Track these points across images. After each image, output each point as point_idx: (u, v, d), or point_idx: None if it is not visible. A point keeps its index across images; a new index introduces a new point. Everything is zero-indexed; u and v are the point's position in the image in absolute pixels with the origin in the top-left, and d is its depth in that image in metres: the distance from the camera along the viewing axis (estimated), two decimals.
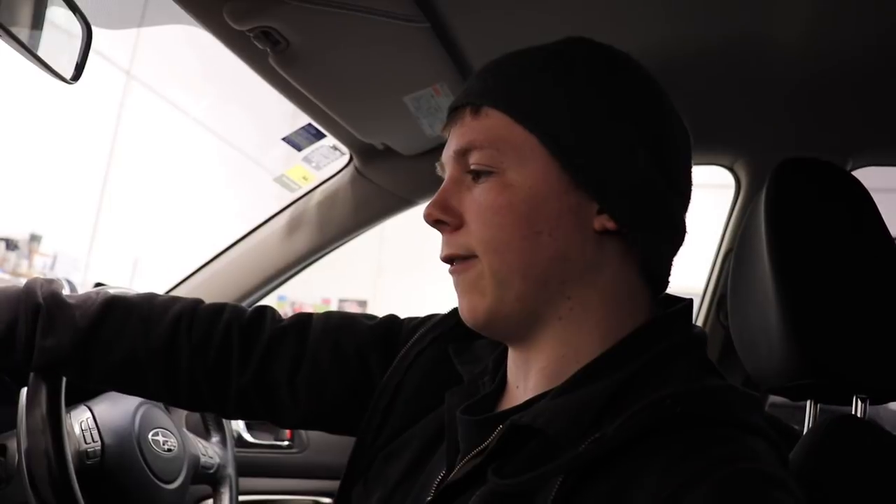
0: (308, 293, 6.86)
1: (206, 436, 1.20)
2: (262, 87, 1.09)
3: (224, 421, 1.22)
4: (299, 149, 1.32)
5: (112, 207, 5.31)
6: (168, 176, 5.63)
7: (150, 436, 1.03)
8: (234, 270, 1.47)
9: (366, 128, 1.21)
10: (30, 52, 0.80)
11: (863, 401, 0.77)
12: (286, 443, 1.57)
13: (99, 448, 0.94)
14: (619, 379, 0.57)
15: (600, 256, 0.62)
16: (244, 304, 1.36)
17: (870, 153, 1.22)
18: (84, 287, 0.93)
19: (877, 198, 0.78)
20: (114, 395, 1.02)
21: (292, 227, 1.43)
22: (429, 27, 0.92)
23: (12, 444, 0.89)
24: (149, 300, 0.86)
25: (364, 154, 1.33)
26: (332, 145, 1.32)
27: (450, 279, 0.66)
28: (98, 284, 0.98)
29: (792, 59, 0.98)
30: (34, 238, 4.79)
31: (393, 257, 7.24)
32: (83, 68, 0.87)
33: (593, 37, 0.66)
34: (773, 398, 1.43)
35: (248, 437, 1.54)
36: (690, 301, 0.66)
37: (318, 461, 1.57)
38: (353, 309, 0.96)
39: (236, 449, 1.25)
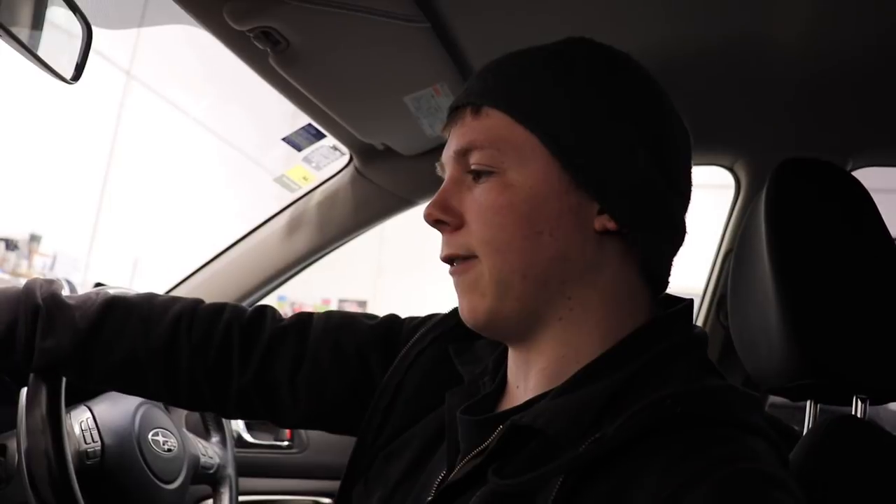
0: (308, 293, 6.86)
1: (205, 436, 1.20)
2: (261, 88, 1.09)
3: (224, 421, 1.22)
4: (299, 149, 1.32)
5: (112, 207, 5.31)
6: (168, 176, 5.63)
7: (150, 436, 1.03)
8: (235, 270, 1.47)
9: (366, 128, 1.21)
10: (30, 52, 0.80)
11: (863, 401, 0.77)
12: (286, 443, 1.57)
13: (99, 448, 0.94)
14: (620, 379, 0.57)
15: (600, 256, 0.62)
16: (244, 304, 1.36)
17: (870, 153, 1.22)
18: (84, 287, 0.93)
19: (877, 198, 0.78)
20: (114, 395, 1.02)
21: (292, 228, 1.43)
22: (429, 27, 0.92)
23: (12, 444, 0.89)
24: (149, 300, 0.86)
25: (364, 154, 1.33)
26: (332, 145, 1.32)
27: (450, 280, 0.66)
28: (98, 284, 0.98)
29: (792, 59, 0.98)
30: (34, 238, 4.79)
31: (393, 258, 7.24)
32: (83, 68, 0.87)
33: (593, 37, 0.66)
34: (772, 398, 1.43)
35: (247, 437, 1.54)
36: (691, 301, 0.66)
37: (317, 461, 1.57)
38: (352, 309, 0.96)
39: (236, 449, 1.25)
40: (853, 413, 0.77)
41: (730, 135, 1.25)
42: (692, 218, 0.68)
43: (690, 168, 0.67)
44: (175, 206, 5.67)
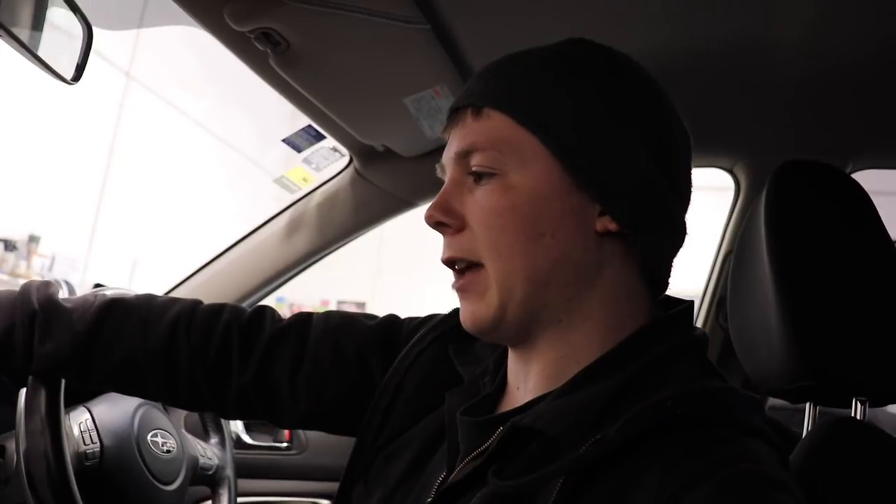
0: (307, 295, 6.85)
1: (204, 437, 1.20)
2: (261, 89, 1.09)
3: (223, 422, 1.22)
4: (299, 150, 1.32)
5: (111, 208, 5.31)
6: (167, 177, 5.63)
7: (149, 437, 1.03)
8: (234, 272, 1.47)
9: (366, 129, 1.21)
10: (30, 52, 0.80)
11: (862, 403, 0.77)
12: (285, 444, 1.57)
13: (98, 449, 0.94)
14: (620, 380, 0.57)
15: (601, 258, 0.62)
16: (244, 305, 1.35)
17: (869, 156, 1.22)
18: (83, 288, 0.93)
19: (876, 201, 0.78)
20: (113, 396, 1.02)
21: (292, 229, 1.43)
22: (429, 29, 0.92)
23: (11, 445, 0.89)
24: (147, 302, 0.86)
25: (364, 155, 1.33)
26: (332, 147, 1.32)
27: (448, 281, 0.66)
28: (97, 285, 0.98)
29: (792, 61, 0.98)
30: (33, 239, 4.79)
31: (392, 259, 7.24)
32: (84, 69, 0.87)
33: (594, 38, 0.66)
34: (771, 401, 1.42)
35: (246, 438, 1.54)
36: (691, 303, 0.66)
37: (316, 463, 1.57)
38: (351, 311, 0.96)
39: (235, 450, 1.25)
40: (853, 415, 0.77)
41: (729, 137, 1.25)
42: (691, 220, 0.68)
43: (691, 169, 0.67)
44: (174, 208, 5.67)
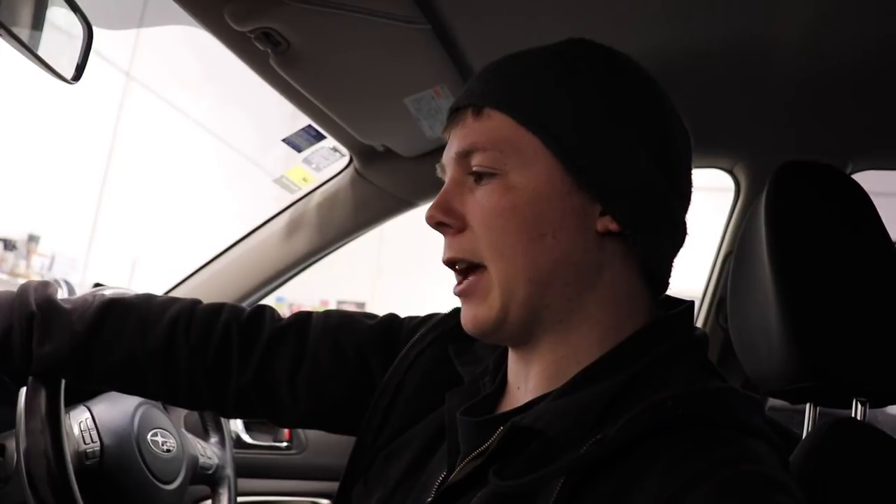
0: (306, 294, 6.85)
1: (204, 436, 1.20)
2: (261, 89, 1.09)
3: (223, 421, 1.22)
4: (299, 150, 1.31)
5: (111, 208, 5.31)
6: (167, 177, 5.63)
7: (149, 436, 1.03)
8: (234, 271, 1.47)
9: (366, 129, 1.21)
10: (31, 51, 0.80)
11: (863, 404, 0.77)
12: (285, 444, 1.57)
13: (98, 448, 0.94)
14: (621, 380, 0.57)
15: (602, 258, 0.62)
16: (243, 305, 1.36)
17: (869, 157, 1.22)
18: (82, 287, 0.93)
19: (876, 202, 0.78)
20: (113, 395, 1.02)
21: (292, 229, 1.43)
22: (429, 29, 0.92)
23: (11, 444, 0.89)
24: (146, 301, 0.86)
25: (364, 156, 1.33)
26: (332, 147, 1.32)
27: (449, 282, 0.66)
28: (97, 285, 0.98)
29: (792, 61, 0.98)
30: (32, 238, 4.78)
31: (392, 259, 7.23)
32: (84, 68, 0.87)
33: (594, 38, 0.66)
34: (771, 401, 1.43)
35: (246, 438, 1.54)
36: (691, 303, 0.66)
37: (316, 462, 1.57)
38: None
39: (235, 450, 1.25)
40: (853, 416, 0.77)
41: (729, 137, 1.25)
42: (691, 220, 0.68)
43: (691, 169, 0.67)
44: (174, 207, 5.67)
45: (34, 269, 4.71)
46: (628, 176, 0.61)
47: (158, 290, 1.22)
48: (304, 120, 1.24)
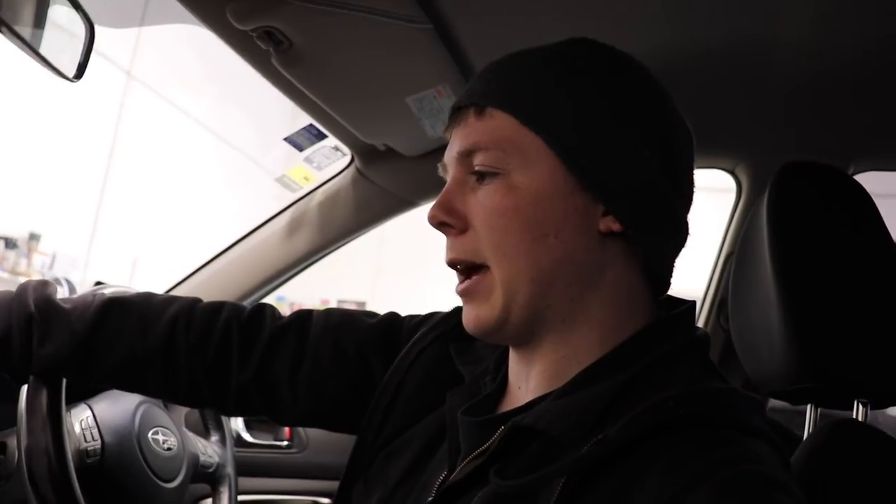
0: (307, 294, 6.85)
1: (205, 435, 1.20)
2: (262, 88, 1.09)
3: (223, 420, 1.22)
4: (301, 149, 1.31)
5: (111, 207, 5.31)
6: (168, 176, 5.63)
7: (149, 434, 1.03)
8: (234, 270, 1.47)
9: (368, 129, 1.21)
10: (32, 49, 0.80)
11: (864, 405, 0.77)
12: (285, 443, 1.57)
13: (99, 446, 0.94)
14: (622, 380, 0.57)
15: (604, 258, 0.62)
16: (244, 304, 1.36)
17: (871, 158, 1.22)
18: (83, 286, 0.93)
19: (878, 203, 0.78)
20: (114, 393, 1.02)
21: (293, 228, 1.43)
22: (431, 28, 0.92)
23: (12, 442, 0.89)
24: (146, 300, 0.86)
25: (366, 155, 1.33)
26: (333, 146, 1.32)
27: (449, 281, 0.66)
28: (98, 283, 0.98)
29: (794, 62, 0.98)
30: (33, 237, 4.79)
31: (392, 259, 7.23)
32: (86, 66, 0.87)
33: (595, 38, 0.66)
34: (772, 403, 1.43)
35: (247, 436, 1.54)
36: (693, 303, 0.66)
37: (317, 461, 1.57)
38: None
39: (235, 449, 1.25)
40: (854, 417, 0.77)
41: (731, 138, 1.25)
42: (692, 221, 0.68)
43: (693, 169, 0.67)
44: (175, 206, 5.67)
45: (35, 268, 4.71)
46: (631, 176, 0.61)
47: (159, 289, 1.22)
48: (304, 119, 1.24)
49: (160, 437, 1.04)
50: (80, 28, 0.87)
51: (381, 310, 0.89)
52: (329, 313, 0.85)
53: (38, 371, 0.83)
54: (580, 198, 0.61)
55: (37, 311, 0.82)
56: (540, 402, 0.61)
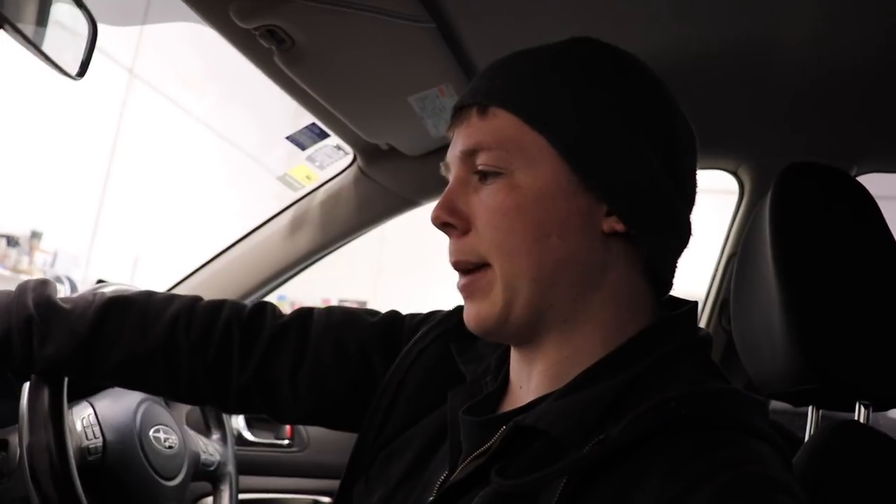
0: (308, 293, 6.85)
1: (206, 433, 1.20)
2: (264, 87, 1.09)
3: (225, 418, 1.23)
4: (303, 148, 1.32)
5: (113, 205, 5.31)
6: (169, 174, 5.63)
7: (151, 432, 1.03)
8: (236, 269, 1.47)
9: (370, 128, 1.21)
10: (35, 47, 0.80)
11: (866, 407, 0.77)
12: (286, 442, 1.57)
13: (100, 444, 0.94)
14: (623, 381, 0.57)
15: (606, 258, 0.61)
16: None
17: (875, 160, 1.22)
18: (85, 284, 0.93)
19: (881, 205, 0.78)
20: (115, 391, 1.02)
21: (295, 226, 1.43)
22: (434, 27, 0.92)
23: (13, 439, 0.89)
24: (147, 299, 0.86)
25: (368, 154, 1.33)
26: (335, 145, 1.32)
27: (451, 281, 0.65)
28: (100, 281, 0.98)
29: (797, 63, 0.98)
30: (35, 235, 4.79)
31: (393, 258, 7.23)
32: (88, 64, 0.87)
33: (598, 38, 0.66)
34: (773, 405, 1.42)
35: (248, 435, 1.54)
36: (695, 304, 0.66)
37: (318, 460, 1.57)
38: None
39: (236, 447, 1.26)
40: (856, 419, 0.77)
41: (734, 139, 1.25)
42: (694, 222, 0.68)
43: (696, 170, 0.67)
44: (176, 205, 5.67)
45: (37, 266, 4.72)
46: (634, 176, 0.61)
47: (160, 288, 1.22)
48: (306, 118, 1.24)
49: (161, 436, 1.04)
50: (82, 26, 0.87)
51: (382, 309, 0.88)
52: (330, 311, 0.85)
53: (40, 370, 0.84)
54: (583, 198, 0.60)
55: (36, 311, 0.82)
56: (541, 402, 0.61)
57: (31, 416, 0.84)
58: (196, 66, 5.31)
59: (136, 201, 5.37)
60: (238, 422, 1.53)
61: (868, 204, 0.77)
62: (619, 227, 0.61)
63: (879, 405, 0.78)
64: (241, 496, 1.38)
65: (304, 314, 0.85)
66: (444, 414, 0.68)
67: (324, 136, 1.29)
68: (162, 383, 0.84)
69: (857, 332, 0.72)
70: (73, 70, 0.86)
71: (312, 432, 1.58)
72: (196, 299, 0.87)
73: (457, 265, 0.64)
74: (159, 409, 1.08)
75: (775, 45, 0.94)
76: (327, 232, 1.42)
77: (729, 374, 0.63)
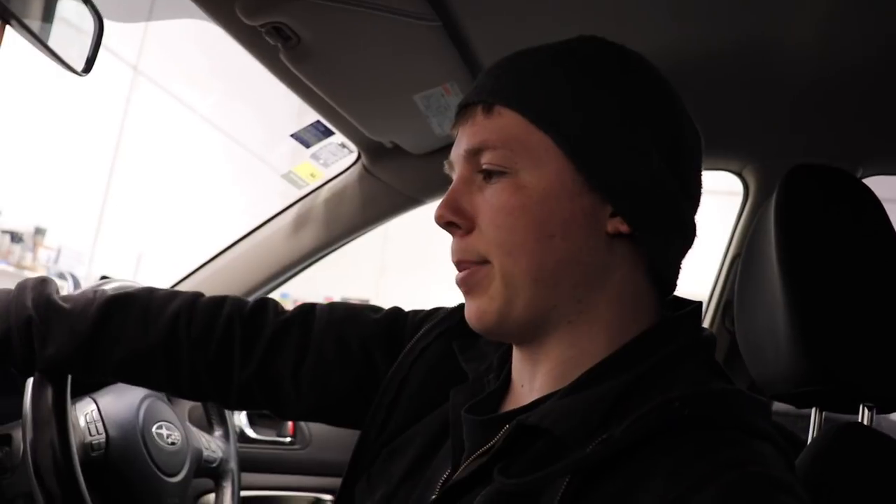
0: (311, 291, 6.84)
1: (209, 430, 1.20)
2: (268, 84, 1.09)
3: (227, 415, 1.23)
4: (308, 145, 1.32)
5: (117, 202, 5.32)
6: (173, 171, 5.63)
7: (153, 429, 1.03)
8: (239, 266, 1.47)
9: (375, 126, 1.21)
10: (42, 43, 0.80)
11: (869, 409, 0.77)
12: (288, 439, 1.57)
13: (103, 440, 0.95)
14: (626, 381, 0.57)
15: (610, 259, 0.61)
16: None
17: (880, 161, 1.21)
18: (88, 280, 0.93)
19: (886, 207, 0.78)
20: (118, 387, 1.02)
21: (299, 224, 1.43)
22: (440, 26, 0.92)
23: (17, 435, 0.89)
24: (148, 295, 0.86)
25: (372, 152, 1.33)
26: (340, 143, 1.32)
27: (453, 279, 0.65)
28: (104, 277, 0.99)
29: (802, 64, 0.97)
30: (39, 231, 4.80)
31: (396, 256, 7.23)
32: (94, 60, 0.87)
33: (603, 38, 0.66)
34: (776, 406, 1.42)
35: (250, 432, 1.55)
36: (699, 304, 0.66)
37: (320, 458, 1.57)
38: None
39: (239, 444, 1.26)
40: (860, 421, 0.77)
41: (739, 140, 1.25)
42: (698, 223, 0.68)
43: (701, 171, 0.67)
44: (180, 202, 5.68)
45: (40, 262, 4.73)
46: (640, 177, 0.60)
47: (164, 285, 1.22)
48: (311, 116, 1.24)
49: (164, 432, 1.04)
50: (88, 22, 0.87)
51: (385, 307, 0.88)
52: (333, 308, 0.85)
53: (42, 370, 0.84)
54: (588, 198, 0.60)
55: (35, 312, 0.82)
56: (544, 402, 0.61)
57: (34, 412, 0.84)
58: (200, 64, 5.31)
59: (140, 198, 5.38)
60: (240, 419, 1.53)
61: (873, 206, 0.77)
62: (624, 228, 0.60)
63: (883, 407, 0.78)
64: (243, 493, 1.38)
65: (307, 310, 0.85)
66: (446, 412, 0.68)
67: (328, 133, 1.29)
68: (164, 379, 0.84)
69: (862, 334, 0.72)
70: (79, 66, 0.86)
71: (314, 429, 1.59)
72: (198, 296, 0.87)
73: (459, 264, 0.64)
74: (162, 406, 1.08)
75: (780, 46, 0.94)
76: (331, 230, 1.42)
77: (732, 375, 0.63)
